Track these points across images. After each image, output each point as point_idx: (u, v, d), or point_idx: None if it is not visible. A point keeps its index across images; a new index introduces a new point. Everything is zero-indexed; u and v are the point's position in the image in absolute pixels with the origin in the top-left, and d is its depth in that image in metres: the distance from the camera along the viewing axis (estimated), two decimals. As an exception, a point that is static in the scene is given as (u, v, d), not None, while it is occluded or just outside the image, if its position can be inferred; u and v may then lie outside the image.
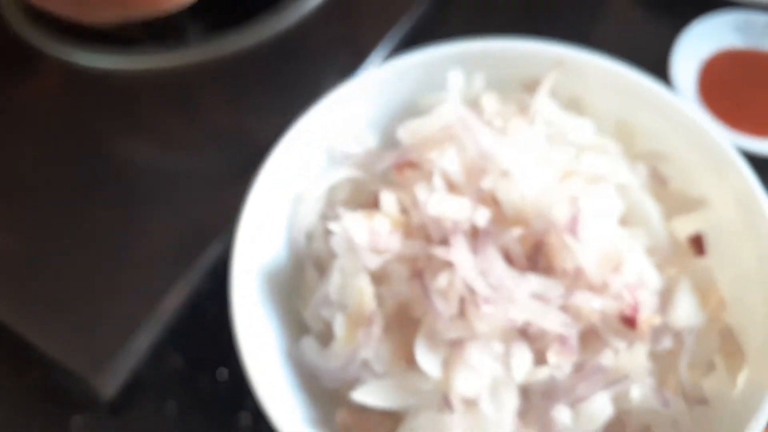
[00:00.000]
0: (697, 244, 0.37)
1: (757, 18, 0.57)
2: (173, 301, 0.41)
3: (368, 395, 0.32)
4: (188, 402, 0.40)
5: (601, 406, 0.32)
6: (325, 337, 0.35)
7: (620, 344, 0.32)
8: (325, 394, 0.34)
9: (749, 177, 0.36)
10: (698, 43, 0.56)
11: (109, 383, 0.39)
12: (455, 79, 0.40)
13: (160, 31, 0.56)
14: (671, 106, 0.38)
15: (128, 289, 0.41)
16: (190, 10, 0.56)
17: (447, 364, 0.31)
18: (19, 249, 0.44)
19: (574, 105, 0.40)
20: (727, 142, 0.37)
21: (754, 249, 0.35)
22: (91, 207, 0.46)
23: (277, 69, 0.54)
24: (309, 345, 0.35)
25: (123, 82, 0.55)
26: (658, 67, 0.57)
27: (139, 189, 0.47)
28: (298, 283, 0.37)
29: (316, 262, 0.37)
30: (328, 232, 0.35)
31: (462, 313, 0.32)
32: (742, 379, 0.33)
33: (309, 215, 0.38)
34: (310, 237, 0.38)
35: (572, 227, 0.33)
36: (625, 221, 0.36)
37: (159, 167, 0.49)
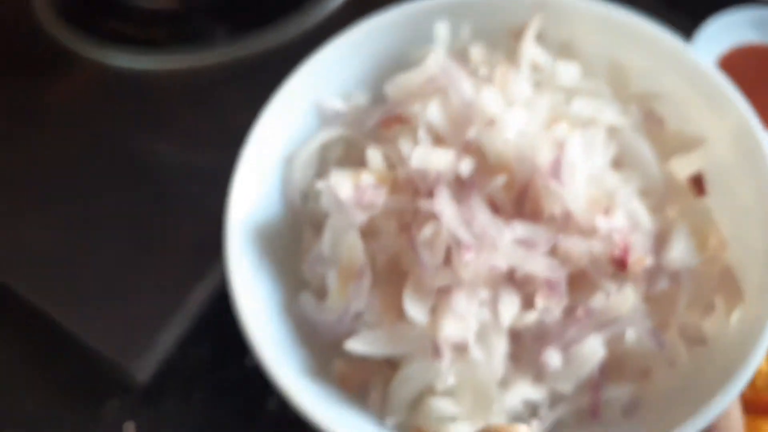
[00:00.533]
0: (698, 184, 0.37)
1: (773, 14, 0.58)
2: (202, 293, 0.43)
3: (361, 344, 0.33)
4: (216, 388, 0.42)
5: (592, 349, 0.33)
6: (322, 292, 0.36)
7: (611, 287, 0.32)
8: (323, 348, 0.36)
9: (746, 113, 0.36)
10: (715, 39, 0.58)
11: (143, 369, 0.42)
12: (441, 30, 0.40)
13: (187, 33, 0.59)
14: (664, 45, 0.38)
15: (160, 281, 0.44)
16: (216, 12, 0.59)
17: (434, 312, 0.32)
18: (58, 244, 0.48)
19: (564, 50, 0.40)
20: (723, 78, 0.36)
21: (752, 185, 0.35)
22: (123, 203, 0.49)
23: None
24: (306, 300, 0.36)
25: (151, 82, 0.57)
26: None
27: (167, 186, 0.50)
28: (296, 241, 0.38)
29: (312, 220, 0.38)
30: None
31: (448, 262, 0.32)
32: (737, 316, 0.33)
33: (303, 175, 0.39)
34: (305, 197, 0.39)
35: (555, 171, 0.33)
36: (618, 164, 0.36)
37: (186, 164, 0.52)
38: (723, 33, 0.58)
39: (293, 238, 0.38)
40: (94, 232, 0.47)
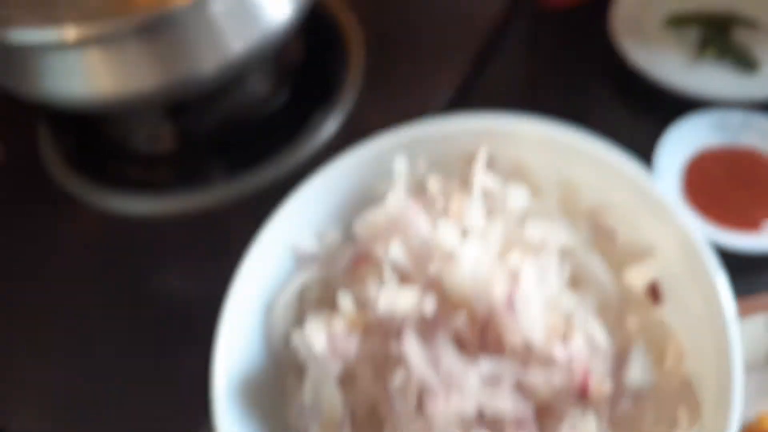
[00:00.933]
0: (653, 293, 0.38)
1: (732, 116, 0.62)
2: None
3: None
4: None
5: None
6: None
7: (576, 414, 0.34)
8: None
9: (686, 224, 0.37)
10: (679, 144, 0.62)
11: None
12: (399, 165, 0.43)
13: (186, 173, 0.63)
14: (607, 162, 0.40)
15: (163, 422, 0.47)
16: (213, 151, 0.63)
17: None
18: (61, 384, 0.52)
19: (516, 172, 0.42)
20: (663, 191, 0.38)
21: (701, 296, 0.36)
22: (127, 341, 0.52)
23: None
24: None
25: (154, 223, 0.61)
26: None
27: (170, 322, 0.54)
28: (281, 388, 0.40)
29: (294, 365, 0.40)
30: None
31: (420, 407, 0.34)
32: (691, 426, 0.34)
33: (283, 320, 0.41)
34: (287, 341, 0.41)
35: (510, 304, 0.35)
36: (575, 282, 0.38)
37: (189, 301, 0.55)
38: (688, 137, 0.62)
39: (278, 384, 0.40)
40: (101, 369, 0.52)
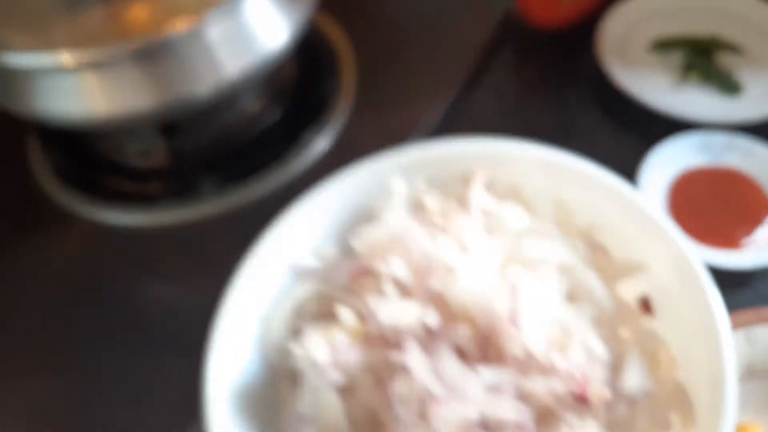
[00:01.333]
0: (645, 305, 0.40)
1: (715, 138, 0.64)
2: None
3: None
4: None
5: None
6: None
7: (574, 420, 0.35)
8: None
9: (678, 240, 0.39)
10: (663, 165, 0.63)
11: None
12: (398, 185, 0.44)
13: (177, 187, 0.64)
14: (599, 182, 0.42)
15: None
16: (204, 166, 0.64)
17: None
18: (52, 398, 0.52)
19: (512, 193, 0.44)
20: (655, 209, 0.40)
21: (694, 309, 0.38)
22: (116, 354, 0.53)
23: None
24: None
25: (144, 236, 0.63)
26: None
27: (159, 336, 0.54)
28: (276, 400, 0.41)
29: (291, 376, 0.40)
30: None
31: (423, 415, 0.35)
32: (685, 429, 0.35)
33: (279, 332, 0.42)
34: (282, 354, 0.41)
35: (513, 318, 0.36)
36: (572, 297, 0.40)
37: (178, 313, 0.56)
38: (671, 159, 0.64)
39: (272, 394, 0.41)
40: (85, 380, 0.52)
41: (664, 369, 0.38)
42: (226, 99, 0.60)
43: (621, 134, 0.73)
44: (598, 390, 0.35)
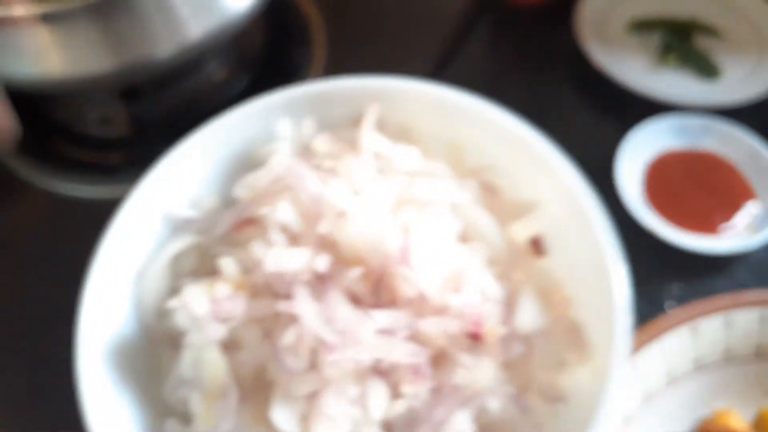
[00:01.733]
0: (537, 246, 0.40)
1: (692, 121, 0.63)
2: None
3: None
4: None
5: (461, 425, 0.34)
6: (188, 417, 0.35)
7: (470, 360, 0.34)
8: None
9: (570, 177, 0.38)
10: (640, 147, 0.63)
11: None
12: (283, 127, 0.41)
13: (137, 157, 0.61)
14: (492, 121, 0.41)
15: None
16: (165, 137, 0.61)
17: (305, 419, 0.33)
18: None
19: (404, 134, 0.42)
20: (548, 147, 0.39)
21: (586, 245, 0.37)
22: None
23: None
24: (172, 428, 0.35)
25: (103, 209, 0.59)
26: (604, 169, 0.63)
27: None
28: (156, 364, 0.38)
29: (170, 340, 0.38)
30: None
31: (313, 364, 0.33)
32: (588, 370, 0.36)
33: (155, 291, 0.38)
34: (160, 314, 0.38)
35: (405, 257, 0.35)
36: (465, 237, 0.39)
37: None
38: (647, 140, 0.63)
39: (152, 360, 0.38)
40: (43, 355, 0.49)
41: (557, 307, 0.38)
42: (190, 63, 0.57)
43: (598, 115, 0.72)
44: (492, 328, 0.35)
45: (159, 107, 0.62)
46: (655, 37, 0.72)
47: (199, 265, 0.39)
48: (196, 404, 0.34)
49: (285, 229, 0.37)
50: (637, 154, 0.63)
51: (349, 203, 0.36)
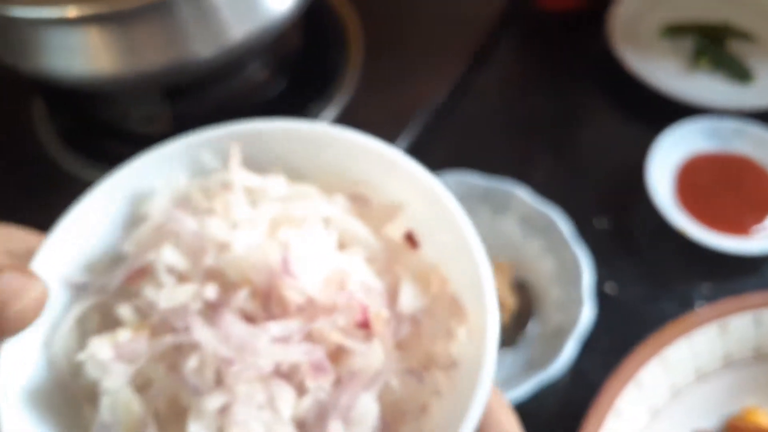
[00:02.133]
0: (410, 240, 0.43)
1: (724, 123, 0.64)
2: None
3: None
4: None
5: (367, 407, 0.37)
6: None
7: (363, 347, 0.37)
8: None
9: (425, 179, 0.43)
10: (672, 150, 0.63)
11: None
12: (159, 183, 0.44)
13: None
14: (357, 143, 0.44)
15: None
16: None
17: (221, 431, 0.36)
18: None
19: (277, 166, 0.45)
20: (401, 156, 0.43)
21: (447, 230, 0.42)
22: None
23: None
24: None
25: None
26: (636, 170, 0.63)
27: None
28: (79, 421, 0.39)
29: (88, 394, 0.39)
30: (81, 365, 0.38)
31: (220, 383, 0.36)
32: (465, 332, 0.40)
33: (65, 353, 0.40)
34: (73, 373, 0.40)
35: (286, 267, 0.38)
36: (342, 245, 0.43)
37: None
38: (679, 143, 0.64)
39: (76, 418, 0.39)
40: None
41: (436, 287, 0.41)
42: (231, 64, 0.59)
43: (629, 118, 0.73)
44: (378, 312, 0.38)
45: (201, 107, 0.65)
46: (688, 42, 0.74)
47: (101, 324, 0.41)
48: None
49: (173, 271, 0.39)
50: (668, 156, 0.64)
51: (228, 234, 0.40)
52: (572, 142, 0.72)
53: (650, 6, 0.77)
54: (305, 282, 0.38)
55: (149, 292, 0.38)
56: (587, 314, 0.58)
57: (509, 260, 0.66)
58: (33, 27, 0.56)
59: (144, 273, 0.40)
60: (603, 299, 0.64)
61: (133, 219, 0.44)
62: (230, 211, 0.41)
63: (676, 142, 0.65)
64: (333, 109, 0.68)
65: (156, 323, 0.38)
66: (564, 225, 0.63)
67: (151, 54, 0.56)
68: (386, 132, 0.73)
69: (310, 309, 0.38)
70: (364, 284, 0.39)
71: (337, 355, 0.37)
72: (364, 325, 0.37)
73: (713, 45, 0.73)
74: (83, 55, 0.56)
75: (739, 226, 0.60)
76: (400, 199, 0.44)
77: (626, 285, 0.67)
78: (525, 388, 0.55)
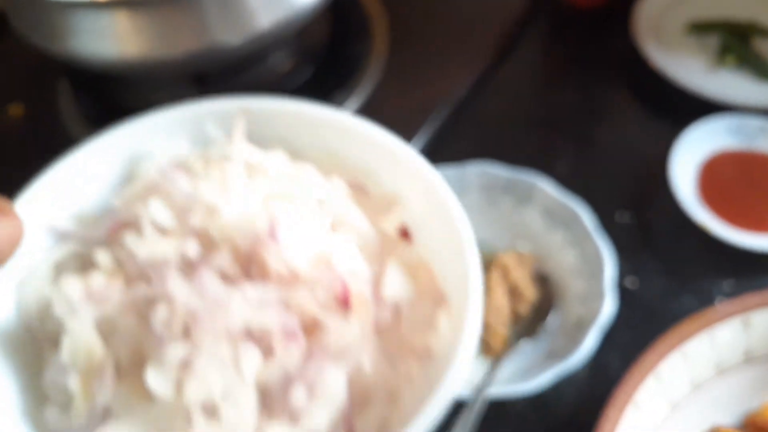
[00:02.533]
0: (404, 233, 0.44)
1: (749, 121, 0.64)
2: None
3: None
4: None
5: (335, 381, 0.37)
6: (68, 404, 0.37)
7: (339, 323, 0.38)
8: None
9: (427, 174, 0.43)
10: (695, 146, 0.63)
11: None
12: (159, 147, 0.45)
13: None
14: (360, 132, 0.45)
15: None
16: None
17: (179, 383, 0.35)
18: None
19: (280, 144, 0.46)
20: (406, 150, 0.44)
21: (443, 226, 0.42)
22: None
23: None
24: (51, 414, 0.37)
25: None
26: (659, 165, 0.63)
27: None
28: (39, 362, 0.40)
29: (52, 339, 0.39)
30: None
31: (187, 336, 0.36)
32: (448, 323, 0.40)
33: (36, 297, 0.40)
34: (42, 318, 0.40)
35: (273, 233, 0.38)
36: (337, 228, 0.43)
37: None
38: (703, 140, 0.64)
39: (36, 359, 0.40)
40: None
41: (424, 281, 0.42)
42: (258, 52, 0.60)
43: (653, 114, 0.73)
44: (359, 291, 0.39)
45: (227, 93, 0.65)
46: (713, 39, 0.74)
47: (79, 267, 0.42)
48: (74, 385, 0.36)
49: (158, 226, 0.40)
50: (692, 152, 0.64)
51: (219, 199, 0.40)
52: (595, 136, 0.72)
53: (676, 3, 0.77)
54: (290, 253, 0.38)
55: (130, 241, 0.38)
56: (608, 307, 0.58)
57: (531, 252, 0.67)
58: (64, 10, 0.57)
59: (129, 226, 0.40)
60: (623, 293, 0.64)
61: (129, 178, 0.44)
62: (226, 180, 0.41)
63: (700, 139, 0.65)
64: (356, 100, 0.69)
65: (132, 272, 0.38)
66: (587, 217, 0.63)
67: (179, 40, 0.57)
68: (408, 123, 0.74)
69: (292, 280, 0.38)
70: (350, 266, 0.40)
71: (312, 329, 0.37)
72: (344, 302, 0.38)
73: (739, 43, 0.73)
74: (112, 39, 0.56)
75: (762, 223, 0.60)
76: (398, 192, 0.45)
77: (647, 280, 0.67)
78: (544, 378, 0.55)
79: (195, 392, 0.34)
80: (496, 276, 0.65)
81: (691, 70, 0.71)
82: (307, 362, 0.36)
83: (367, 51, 0.74)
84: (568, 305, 0.64)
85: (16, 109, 0.78)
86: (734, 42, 0.73)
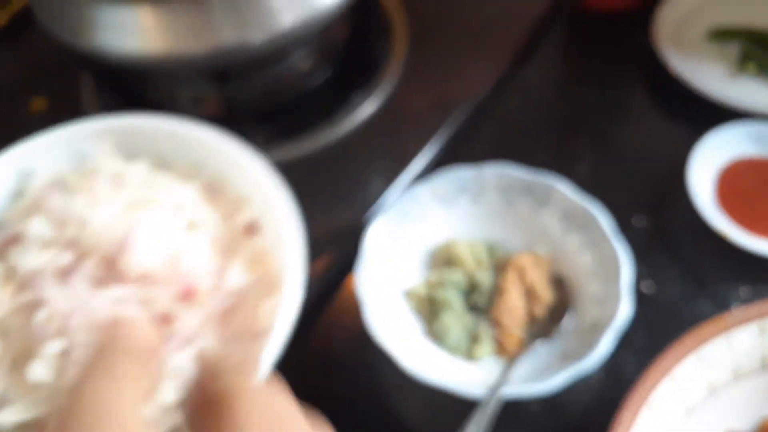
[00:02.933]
0: (251, 229, 0.51)
1: (769, 128, 0.63)
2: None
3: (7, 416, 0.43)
4: None
5: (181, 363, 0.43)
6: None
7: (185, 312, 0.44)
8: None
9: (267, 178, 0.50)
10: (714, 153, 0.64)
11: None
12: (39, 167, 0.52)
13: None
14: (212, 143, 0.52)
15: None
16: (255, 120, 0.65)
17: (60, 369, 0.42)
18: None
19: (146, 156, 0.54)
20: (250, 157, 0.51)
21: (275, 221, 0.49)
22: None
23: (327, 175, 0.63)
24: None
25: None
26: (677, 171, 0.64)
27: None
28: None
29: None
30: None
31: (62, 329, 0.43)
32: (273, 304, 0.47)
33: None
34: None
35: (130, 243, 0.45)
36: (193, 227, 0.49)
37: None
38: (722, 146, 0.64)
39: None
40: None
41: (265, 269, 0.48)
42: (279, 51, 0.61)
43: (672, 119, 0.74)
44: (203, 283, 0.45)
45: (247, 92, 0.66)
46: (734, 46, 0.74)
47: None
48: None
49: (40, 239, 0.46)
50: (711, 158, 0.64)
51: (88, 211, 0.47)
52: (614, 140, 0.73)
53: (697, 9, 0.78)
54: (142, 257, 0.45)
55: (15, 255, 0.46)
56: (625, 310, 0.59)
57: (548, 253, 0.67)
58: (89, 4, 0.58)
59: (16, 239, 0.48)
60: (639, 298, 0.64)
61: (18, 195, 0.52)
62: (94, 191, 0.49)
63: (719, 145, 0.65)
64: (376, 99, 0.69)
65: (20, 282, 0.45)
66: (605, 221, 0.64)
67: (202, 38, 0.59)
68: (427, 123, 0.75)
69: (147, 279, 0.45)
70: (198, 262, 0.47)
71: (166, 319, 0.44)
72: (189, 296, 0.45)
73: (760, 50, 0.73)
74: (135, 35, 0.59)
75: (782, 230, 0.60)
76: (248, 193, 0.52)
77: (663, 284, 0.67)
78: (559, 379, 0.56)
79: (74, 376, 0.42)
80: (512, 277, 0.66)
81: (712, 76, 0.71)
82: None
83: (387, 51, 0.75)
84: (583, 307, 0.65)
85: (39, 103, 0.80)
86: (755, 50, 0.73)
